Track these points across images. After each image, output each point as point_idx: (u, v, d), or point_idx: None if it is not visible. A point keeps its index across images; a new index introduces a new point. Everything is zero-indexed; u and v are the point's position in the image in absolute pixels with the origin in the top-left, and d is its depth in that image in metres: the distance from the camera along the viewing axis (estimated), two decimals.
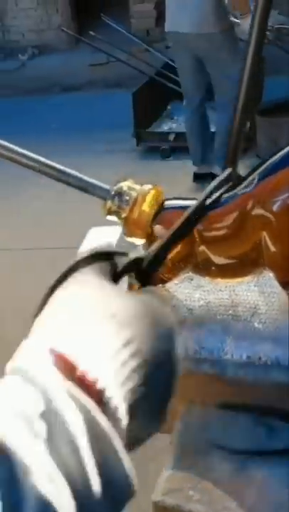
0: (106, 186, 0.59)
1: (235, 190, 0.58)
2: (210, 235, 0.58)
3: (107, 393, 0.27)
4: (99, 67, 5.13)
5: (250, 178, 0.58)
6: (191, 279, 0.69)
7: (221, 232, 0.58)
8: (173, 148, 3.58)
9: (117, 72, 4.85)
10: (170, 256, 0.61)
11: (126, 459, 0.26)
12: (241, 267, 0.60)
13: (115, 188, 0.58)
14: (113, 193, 0.58)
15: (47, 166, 0.60)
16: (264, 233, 0.55)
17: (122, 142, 3.84)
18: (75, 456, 0.25)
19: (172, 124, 3.90)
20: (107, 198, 0.58)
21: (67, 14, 5.83)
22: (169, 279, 0.64)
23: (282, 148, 0.58)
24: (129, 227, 0.59)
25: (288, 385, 0.52)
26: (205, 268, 0.61)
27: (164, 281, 0.64)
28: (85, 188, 0.60)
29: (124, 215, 0.58)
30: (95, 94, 4.92)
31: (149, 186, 0.59)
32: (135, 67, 3.81)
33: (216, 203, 0.58)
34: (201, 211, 0.53)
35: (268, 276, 0.61)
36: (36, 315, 0.32)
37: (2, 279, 2.61)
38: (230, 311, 0.62)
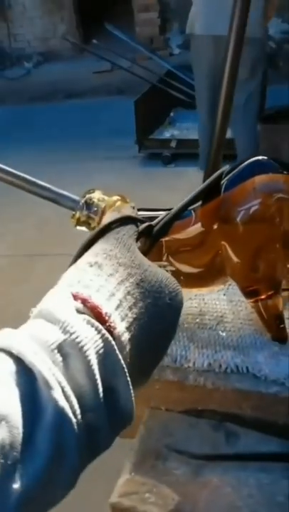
0: (75, 197, 0.61)
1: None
2: (175, 245, 0.60)
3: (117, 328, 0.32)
4: (102, 74, 5.18)
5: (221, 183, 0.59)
6: None
7: (186, 243, 0.59)
8: (174, 155, 3.61)
9: (120, 79, 4.90)
10: None
11: (128, 378, 0.30)
12: (207, 276, 0.61)
13: (84, 198, 0.60)
14: (81, 203, 0.59)
15: (15, 176, 0.61)
16: (224, 243, 0.56)
17: (124, 149, 3.88)
18: (88, 381, 0.29)
19: (174, 131, 3.92)
20: (76, 209, 0.60)
21: (72, 23, 5.90)
22: None
23: (245, 160, 0.59)
24: None
25: (246, 392, 0.53)
26: (173, 277, 0.62)
27: None
28: (54, 198, 0.61)
29: (93, 225, 0.60)
30: (98, 101, 4.97)
31: (117, 197, 0.61)
32: (138, 75, 3.85)
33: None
34: (203, 195, 0.54)
35: None
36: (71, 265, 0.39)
37: (3, 284, 2.65)
38: (197, 320, 0.63)
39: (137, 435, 0.56)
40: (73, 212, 0.60)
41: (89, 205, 0.59)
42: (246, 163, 0.56)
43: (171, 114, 4.21)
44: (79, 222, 0.60)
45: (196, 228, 0.57)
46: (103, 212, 0.60)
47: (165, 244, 0.60)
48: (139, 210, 0.64)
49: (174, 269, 0.59)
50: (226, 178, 0.57)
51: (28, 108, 5.16)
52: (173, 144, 3.61)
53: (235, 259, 0.57)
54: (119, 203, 0.61)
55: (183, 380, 0.55)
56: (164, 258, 0.60)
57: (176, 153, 3.61)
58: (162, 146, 3.67)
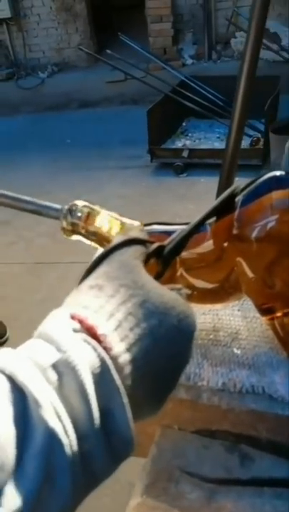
0: (58, 206, 0.60)
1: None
2: (190, 260, 0.59)
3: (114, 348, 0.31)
4: (116, 84, 5.22)
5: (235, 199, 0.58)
6: None
7: (201, 258, 0.58)
8: (186, 165, 3.61)
9: (133, 89, 4.93)
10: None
11: (124, 400, 0.29)
12: (222, 292, 0.60)
13: (67, 206, 0.58)
14: (65, 211, 0.58)
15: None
16: (240, 259, 0.55)
17: (136, 158, 3.89)
18: (82, 401, 0.28)
19: (186, 141, 3.93)
20: (60, 218, 0.59)
21: (86, 33, 5.96)
22: None
23: (265, 173, 0.58)
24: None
25: (261, 413, 0.52)
26: (186, 292, 0.61)
27: None
28: (37, 211, 0.60)
29: (80, 231, 0.58)
30: (111, 111, 5.00)
31: (108, 212, 0.59)
32: (151, 85, 3.87)
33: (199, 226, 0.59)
34: (216, 212, 0.54)
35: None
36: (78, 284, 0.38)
37: (15, 291, 2.65)
38: (211, 336, 0.62)
39: (149, 454, 0.54)
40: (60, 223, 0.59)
41: (72, 211, 0.58)
42: (263, 178, 0.55)
43: (184, 123, 4.23)
44: (66, 232, 0.59)
45: (211, 243, 0.56)
46: (87, 218, 0.58)
47: (179, 259, 0.59)
48: (153, 223, 0.63)
49: (189, 292, 0.58)
50: (242, 194, 0.56)
51: (42, 117, 5.22)
52: (185, 154, 3.61)
53: (250, 275, 0.56)
54: (108, 215, 0.59)
55: (196, 399, 0.54)
56: (178, 273, 0.59)
57: (188, 162, 3.61)
58: (174, 156, 3.67)
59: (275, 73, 3.87)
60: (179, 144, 3.90)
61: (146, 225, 0.63)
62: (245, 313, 0.65)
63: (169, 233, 0.61)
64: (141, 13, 5.65)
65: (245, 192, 0.56)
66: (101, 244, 0.59)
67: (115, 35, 4.29)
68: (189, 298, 0.62)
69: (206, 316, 0.66)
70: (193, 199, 3.28)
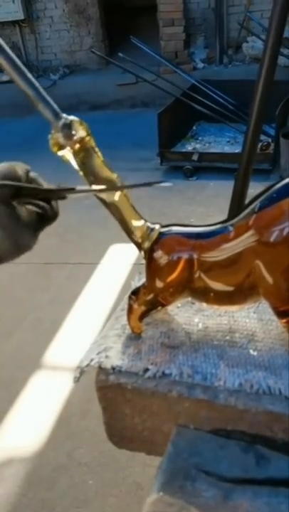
0: (58, 111, 0.55)
1: (235, 219, 0.60)
2: (208, 262, 0.59)
3: None
4: (127, 86, 5.24)
5: (252, 206, 0.59)
6: (193, 303, 0.70)
7: (219, 260, 0.59)
8: (196, 169, 3.61)
9: (144, 92, 4.94)
10: (171, 279, 0.62)
11: None
12: (239, 294, 0.60)
13: (67, 120, 0.55)
14: (61, 122, 0.54)
15: (9, 60, 0.52)
16: (258, 262, 0.56)
17: (146, 161, 3.90)
18: None
19: (196, 145, 3.94)
20: (52, 124, 0.55)
21: (98, 36, 6.00)
22: (171, 302, 0.66)
23: (283, 178, 0.59)
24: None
25: (278, 414, 0.52)
26: (203, 294, 0.62)
27: (165, 305, 0.66)
28: (34, 100, 0.54)
29: (69, 150, 0.56)
30: (122, 114, 5.02)
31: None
32: (162, 88, 3.88)
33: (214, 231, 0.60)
34: None
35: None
36: None
37: (23, 291, 2.67)
38: (227, 337, 0.63)
39: (165, 453, 0.55)
40: (52, 133, 0.56)
41: (68, 127, 0.55)
42: (282, 183, 0.56)
43: (194, 127, 4.23)
44: (53, 143, 0.56)
45: (232, 245, 0.57)
46: (80, 142, 0.56)
47: (197, 261, 0.60)
48: (171, 225, 0.64)
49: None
50: (261, 198, 0.57)
51: None
52: (195, 157, 3.61)
53: (268, 278, 0.56)
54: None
55: (213, 399, 0.55)
56: (197, 275, 0.60)
57: (197, 166, 3.62)
58: (184, 159, 3.68)
59: (286, 78, 3.87)
60: (189, 148, 3.91)
61: (164, 226, 0.64)
62: (261, 316, 0.66)
63: (186, 234, 0.63)
64: (153, 16, 5.68)
65: (264, 196, 0.57)
66: (83, 171, 0.59)
67: (127, 38, 4.31)
68: (206, 299, 0.62)
69: (222, 317, 0.66)
70: (202, 202, 3.29)
